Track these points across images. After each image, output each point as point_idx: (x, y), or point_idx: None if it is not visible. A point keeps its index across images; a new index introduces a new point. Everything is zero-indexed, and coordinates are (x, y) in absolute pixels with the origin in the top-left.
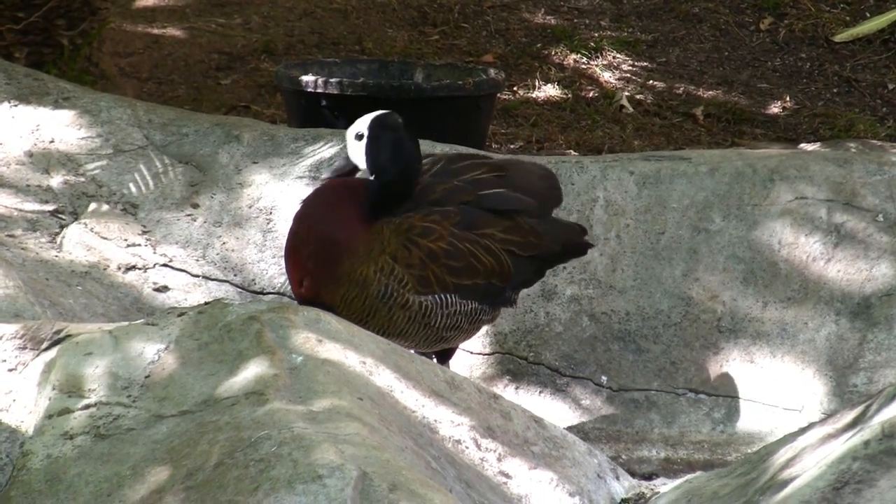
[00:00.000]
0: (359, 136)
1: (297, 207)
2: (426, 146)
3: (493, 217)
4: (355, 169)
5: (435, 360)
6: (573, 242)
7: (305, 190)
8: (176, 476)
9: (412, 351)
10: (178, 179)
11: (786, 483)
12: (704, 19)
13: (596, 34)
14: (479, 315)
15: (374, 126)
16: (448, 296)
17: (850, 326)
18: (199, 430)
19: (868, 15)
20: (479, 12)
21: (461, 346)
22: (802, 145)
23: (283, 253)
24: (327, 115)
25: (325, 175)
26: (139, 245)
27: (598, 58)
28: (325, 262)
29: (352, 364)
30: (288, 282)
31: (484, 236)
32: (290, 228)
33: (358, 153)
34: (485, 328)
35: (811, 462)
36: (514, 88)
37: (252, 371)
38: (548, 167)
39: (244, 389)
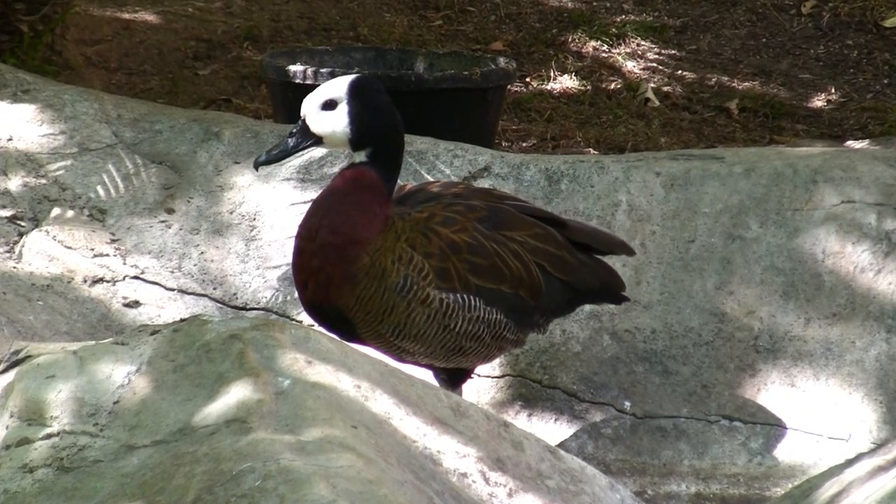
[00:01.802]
0: (328, 105)
1: (283, 213)
2: (428, 145)
3: (524, 220)
4: (308, 146)
5: (441, 383)
6: (612, 286)
7: (293, 193)
8: None
9: (422, 366)
10: (151, 182)
11: None
12: (739, 2)
13: (618, 19)
14: (503, 330)
15: (355, 90)
16: (471, 297)
17: None
18: (174, 463)
19: None
20: None
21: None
22: (849, 143)
23: (267, 263)
24: None
25: (261, 159)
26: (107, 255)
27: (620, 45)
28: (339, 259)
29: (345, 388)
30: (274, 296)
31: (512, 240)
32: (298, 230)
33: (327, 123)
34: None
35: (859, 498)
36: (527, 79)
37: (234, 396)
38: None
39: (225, 416)
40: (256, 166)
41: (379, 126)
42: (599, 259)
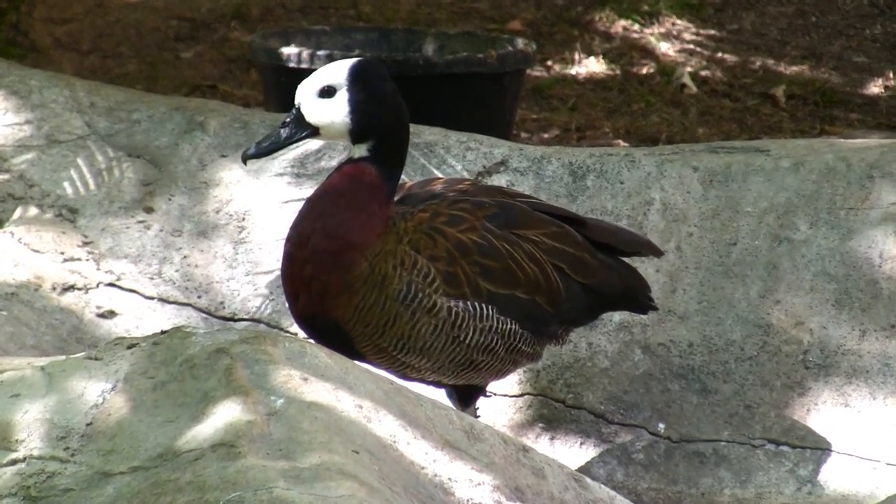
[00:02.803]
0: (326, 92)
1: (275, 212)
2: (437, 136)
3: (538, 217)
4: (303, 137)
5: (453, 402)
6: (637, 291)
7: (287, 190)
8: None
9: (429, 384)
10: (128, 177)
11: None
12: None
13: None
14: (517, 342)
15: (356, 76)
16: (483, 306)
17: None
18: (154, 492)
19: None
20: None
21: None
22: None
23: (258, 269)
24: None
25: (250, 151)
26: (79, 259)
27: (653, 24)
28: (334, 267)
29: (345, 408)
30: (265, 305)
31: (526, 240)
32: (288, 234)
33: (325, 113)
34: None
35: None
36: (548, 63)
37: (220, 417)
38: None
39: (211, 440)
40: (245, 160)
41: (382, 117)
42: (623, 261)
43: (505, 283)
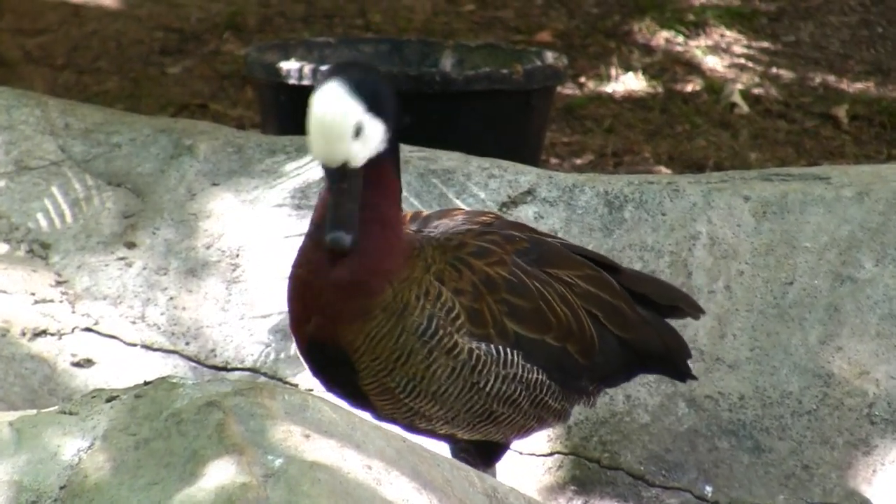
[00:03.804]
0: (358, 131)
1: (273, 248)
2: (457, 162)
3: (572, 258)
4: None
5: (467, 459)
6: (677, 353)
7: (287, 223)
8: None
9: (441, 436)
10: (107, 208)
11: None
12: None
13: (696, 2)
14: (544, 394)
15: (365, 95)
16: (508, 350)
17: None
18: None
19: None
20: None
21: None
22: None
23: (253, 312)
24: None
25: (347, 240)
26: (52, 301)
27: (699, 36)
28: (357, 294)
29: (352, 469)
30: (262, 353)
31: (559, 280)
32: (301, 253)
33: (368, 146)
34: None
35: None
36: (581, 79)
37: (212, 479)
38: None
39: None
40: (339, 246)
41: (396, 104)
42: (662, 318)
43: (534, 325)
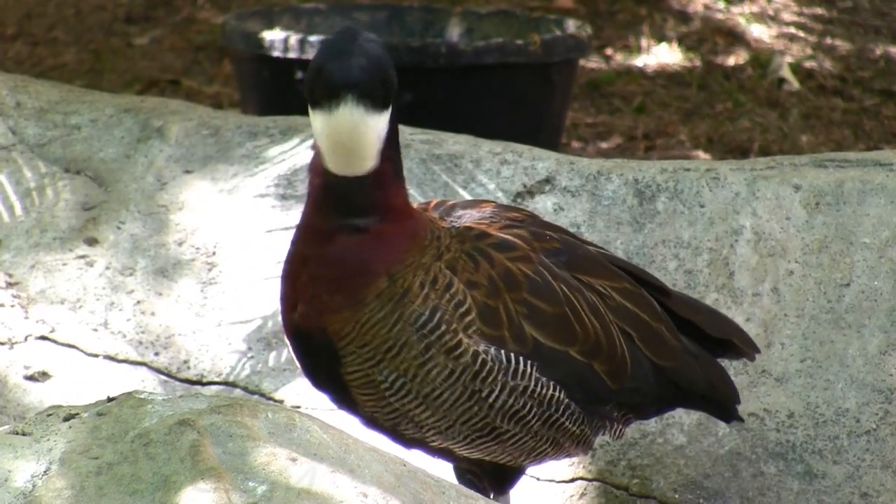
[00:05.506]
0: (380, 136)
1: (254, 244)
2: (464, 146)
3: (610, 269)
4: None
5: (472, 484)
6: (722, 392)
7: (271, 216)
8: None
9: (436, 451)
10: (65, 199)
11: None
12: None
13: None
14: (559, 415)
15: (385, 97)
16: (521, 359)
17: None
18: None
19: None
20: None
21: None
22: None
23: (232, 318)
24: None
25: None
26: (2, 305)
27: (742, 1)
28: (348, 287)
29: (345, 497)
30: (242, 364)
31: (591, 289)
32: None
33: (380, 142)
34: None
35: None
36: (608, 51)
37: None
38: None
39: None
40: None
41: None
42: (709, 353)
43: (557, 334)
